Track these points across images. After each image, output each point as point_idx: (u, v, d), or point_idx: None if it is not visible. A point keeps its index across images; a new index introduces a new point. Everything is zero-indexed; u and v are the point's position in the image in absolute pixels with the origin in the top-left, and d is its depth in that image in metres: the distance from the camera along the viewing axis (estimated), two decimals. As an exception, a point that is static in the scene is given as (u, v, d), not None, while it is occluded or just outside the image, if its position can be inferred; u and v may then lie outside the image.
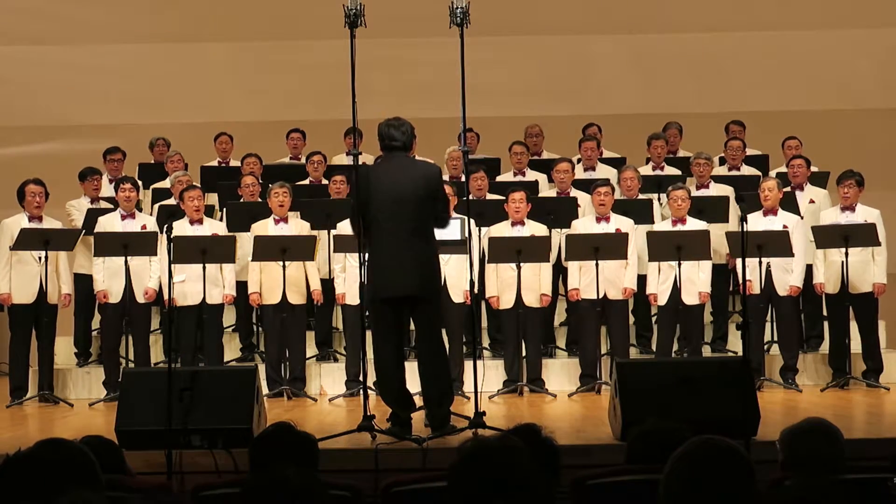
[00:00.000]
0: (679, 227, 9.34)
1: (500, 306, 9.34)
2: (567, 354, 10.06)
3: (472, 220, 8.74)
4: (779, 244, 9.09)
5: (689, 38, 13.32)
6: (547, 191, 10.50)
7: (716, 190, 10.17)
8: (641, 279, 9.48)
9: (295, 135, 11.84)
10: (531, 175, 10.79)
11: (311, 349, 9.83)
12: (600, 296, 9.27)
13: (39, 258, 9.21)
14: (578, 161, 10.92)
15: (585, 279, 9.32)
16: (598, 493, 3.94)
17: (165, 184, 10.85)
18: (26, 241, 9.11)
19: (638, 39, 13.41)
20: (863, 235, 9.25)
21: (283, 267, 9.16)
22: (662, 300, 9.40)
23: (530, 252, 9.10)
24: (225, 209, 10.24)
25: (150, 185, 11.00)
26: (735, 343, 9.89)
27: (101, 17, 13.37)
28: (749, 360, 6.76)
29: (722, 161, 11.04)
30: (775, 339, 9.74)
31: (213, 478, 5.67)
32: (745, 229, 6.70)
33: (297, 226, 9.56)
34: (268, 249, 9.14)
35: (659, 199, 10.21)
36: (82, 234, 9.57)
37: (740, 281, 8.89)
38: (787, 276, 9.34)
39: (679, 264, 9.16)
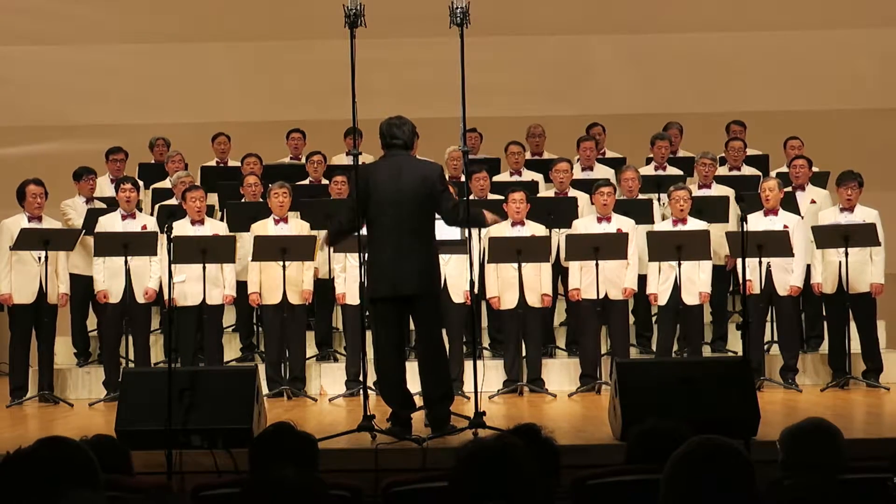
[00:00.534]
0: (679, 227, 9.34)
1: (500, 306, 9.35)
2: (567, 354, 10.06)
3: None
4: (779, 244, 9.09)
5: (689, 38, 13.32)
6: (545, 191, 10.51)
7: (718, 191, 10.17)
8: (642, 279, 9.48)
9: (295, 135, 11.84)
10: (527, 175, 10.79)
11: (311, 349, 9.83)
12: (601, 296, 9.26)
13: (39, 258, 9.21)
14: (577, 160, 10.93)
15: (586, 279, 9.31)
16: (598, 493, 3.94)
17: (166, 184, 10.85)
18: (26, 241, 9.11)
19: (638, 39, 13.40)
20: (862, 235, 9.24)
21: (283, 267, 9.16)
22: (663, 300, 9.39)
23: (530, 252, 9.10)
24: (225, 209, 10.24)
25: (150, 185, 11.00)
26: (735, 343, 9.89)
27: (101, 17, 13.37)
28: (749, 360, 6.76)
29: (722, 161, 11.04)
30: (775, 339, 9.73)
31: (213, 478, 5.67)
32: (745, 229, 6.70)
33: (297, 226, 9.56)
34: (268, 249, 9.14)
35: (659, 199, 10.21)
36: (82, 234, 9.57)
37: (740, 281, 8.89)
38: (787, 276, 9.34)
39: (679, 264, 9.16)
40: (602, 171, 10.80)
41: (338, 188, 10.13)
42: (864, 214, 9.42)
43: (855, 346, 9.53)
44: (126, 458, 4.28)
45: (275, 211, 9.45)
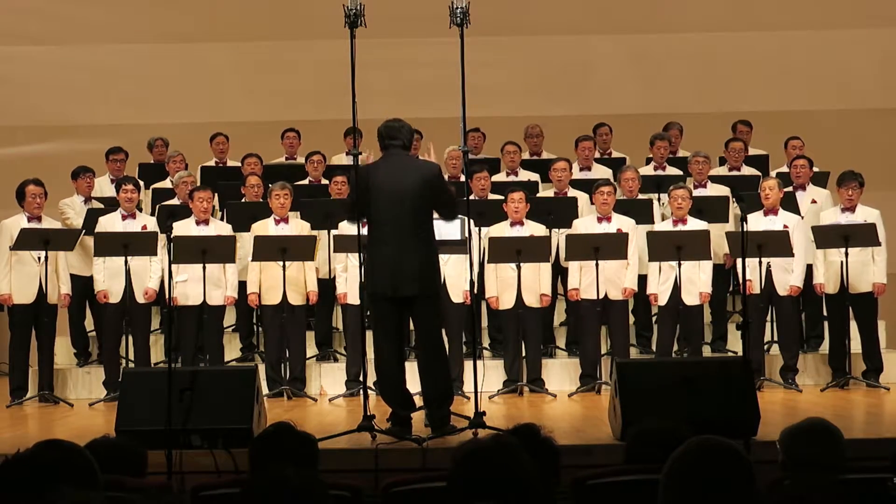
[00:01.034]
0: (679, 228, 9.33)
1: (499, 306, 9.34)
2: (567, 354, 10.06)
3: (472, 220, 8.74)
4: (779, 244, 9.09)
5: (689, 38, 13.31)
6: (543, 191, 10.50)
7: (713, 190, 10.17)
8: (642, 279, 9.48)
9: (290, 134, 11.83)
10: (524, 175, 10.79)
11: (311, 349, 9.83)
12: (601, 296, 9.26)
13: (39, 258, 9.21)
14: (577, 160, 10.92)
15: (586, 279, 9.31)
16: (598, 493, 3.94)
17: (166, 184, 10.85)
18: (26, 241, 9.11)
19: (638, 39, 13.40)
20: (863, 236, 9.24)
21: (284, 267, 9.16)
22: (663, 300, 9.39)
23: (530, 252, 9.10)
24: (225, 209, 10.25)
25: (150, 185, 11.00)
26: (735, 343, 9.89)
27: (101, 17, 13.36)
28: (749, 360, 6.76)
29: (722, 161, 11.03)
30: (775, 339, 9.73)
31: (213, 478, 5.67)
32: (745, 229, 6.70)
33: (297, 226, 9.57)
34: (268, 249, 9.14)
35: (659, 199, 10.21)
36: (82, 234, 9.57)
37: (740, 281, 8.89)
38: (787, 276, 9.34)
39: (679, 264, 9.15)
40: (600, 171, 10.80)
41: (338, 188, 10.12)
42: (865, 214, 9.42)
43: (855, 346, 9.53)
44: (142, 459, 4.26)
45: (275, 211, 9.45)
